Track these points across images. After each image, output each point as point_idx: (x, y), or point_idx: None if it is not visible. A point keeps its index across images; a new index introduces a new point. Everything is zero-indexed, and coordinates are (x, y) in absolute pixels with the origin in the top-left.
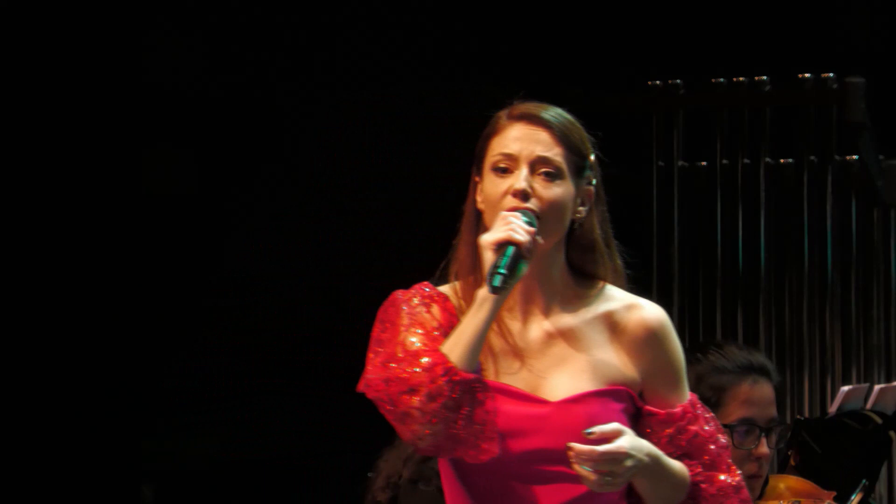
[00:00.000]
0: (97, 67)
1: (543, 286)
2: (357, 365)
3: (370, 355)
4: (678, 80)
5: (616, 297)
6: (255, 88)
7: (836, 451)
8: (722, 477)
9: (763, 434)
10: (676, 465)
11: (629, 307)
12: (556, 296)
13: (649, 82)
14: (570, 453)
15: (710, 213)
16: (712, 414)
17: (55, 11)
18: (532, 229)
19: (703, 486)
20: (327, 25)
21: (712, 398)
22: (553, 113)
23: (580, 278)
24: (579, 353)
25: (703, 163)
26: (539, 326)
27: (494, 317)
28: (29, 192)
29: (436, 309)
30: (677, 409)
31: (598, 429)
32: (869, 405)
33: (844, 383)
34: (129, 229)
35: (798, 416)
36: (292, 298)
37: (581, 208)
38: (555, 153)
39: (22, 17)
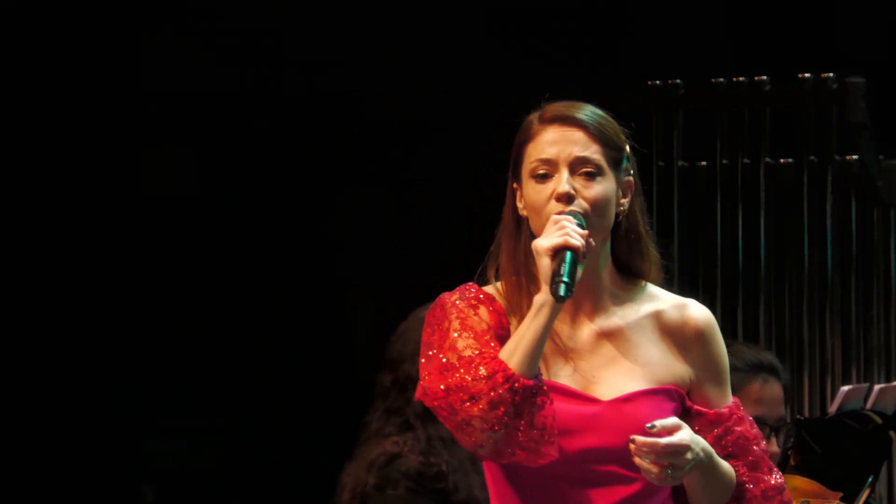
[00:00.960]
0: (98, 69)
1: (591, 286)
2: (359, 365)
3: (422, 360)
4: (678, 80)
5: (662, 297)
6: (255, 88)
7: (836, 450)
8: (766, 478)
9: (773, 433)
10: (725, 464)
11: (677, 307)
12: (604, 295)
13: (649, 82)
14: (632, 446)
15: (710, 212)
16: (751, 418)
17: (56, 13)
18: (585, 232)
19: (749, 486)
20: (327, 24)
21: None
22: (585, 111)
23: (626, 276)
24: (629, 352)
25: (703, 163)
26: (588, 327)
27: (553, 322)
28: (29, 192)
29: (483, 310)
30: (724, 410)
31: (660, 423)
32: (869, 405)
33: (844, 383)
34: (130, 229)
35: (798, 416)
36: (293, 298)
37: (623, 200)
38: (592, 151)
39: (23, 19)
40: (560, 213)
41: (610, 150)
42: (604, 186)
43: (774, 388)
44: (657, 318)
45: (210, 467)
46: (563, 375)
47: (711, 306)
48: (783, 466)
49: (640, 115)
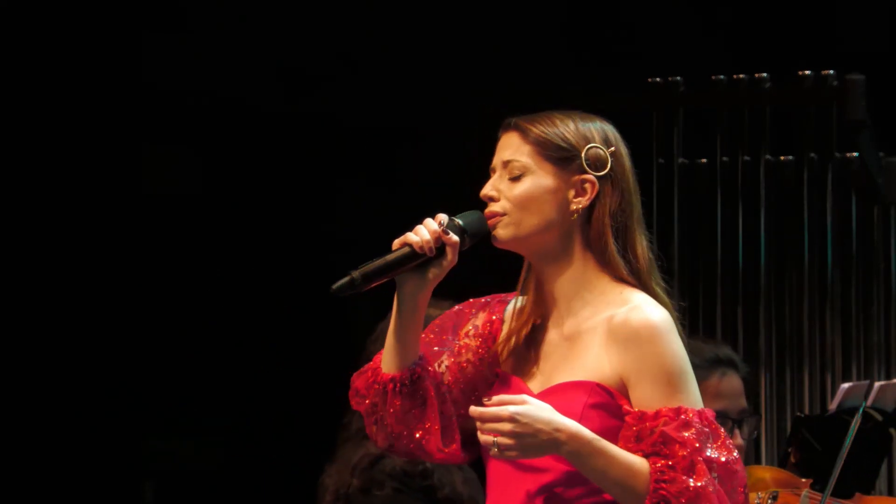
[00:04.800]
0: (98, 67)
1: (560, 290)
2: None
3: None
4: (678, 78)
5: (629, 300)
6: (255, 88)
7: (836, 448)
8: (684, 479)
9: (735, 426)
10: (631, 458)
11: (628, 309)
12: (573, 298)
13: (649, 79)
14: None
15: (710, 210)
16: (723, 434)
17: (56, 11)
18: (434, 230)
19: (664, 485)
20: (327, 23)
21: None
22: (536, 117)
23: (614, 281)
24: (577, 353)
25: (704, 160)
26: (555, 330)
27: (403, 312)
28: (30, 191)
29: (482, 316)
30: (650, 411)
31: (498, 397)
32: (869, 402)
33: (844, 380)
34: (129, 228)
35: (798, 414)
36: (293, 298)
37: (578, 199)
38: (521, 153)
39: (23, 17)
40: (486, 213)
41: (546, 149)
42: (529, 185)
43: (733, 381)
44: (609, 321)
45: (210, 467)
46: (524, 372)
47: (711, 305)
48: (783, 463)
49: (640, 113)
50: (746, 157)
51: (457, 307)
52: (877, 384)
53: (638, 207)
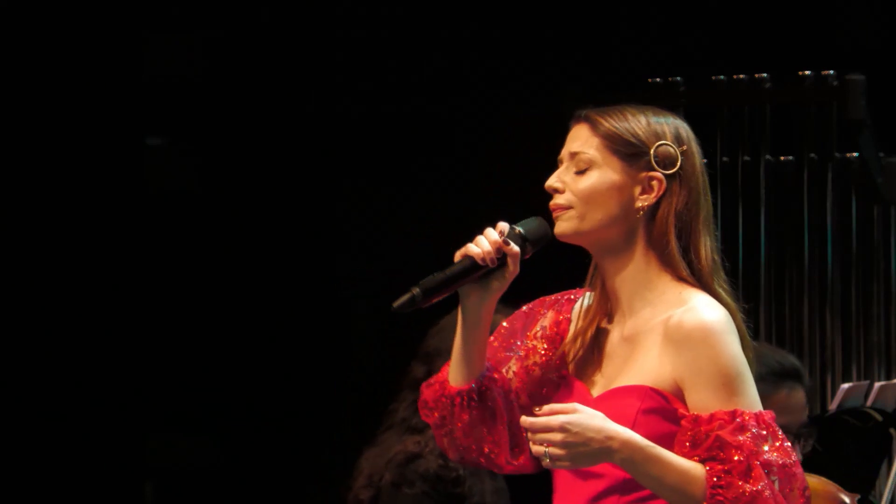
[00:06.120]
0: (99, 62)
1: (622, 287)
2: (358, 365)
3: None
4: (678, 78)
5: (688, 301)
6: (255, 88)
7: (836, 448)
8: (741, 484)
9: (795, 440)
10: (687, 464)
11: (684, 310)
12: (634, 297)
13: (649, 80)
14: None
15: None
16: (781, 436)
17: (56, 10)
18: (495, 240)
19: (720, 491)
20: (326, 22)
21: None
22: (605, 108)
23: (675, 281)
24: (637, 355)
25: (704, 160)
26: (618, 330)
27: (467, 325)
28: (30, 190)
29: (550, 315)
30: (705, 415)
31: (548, 407)
32: (869, 402)
33: (845, 381)
34: (129, 227)
35: None
36: (293, 298)
37: (644, 196)
38: (589, 145)
39: (23, 15)
40: (551, 206)
41: (615, 144)
42: (595, 179)
43: (799, 396)
44: (665, 323)
45: (210, 466)
46: (587, 374)
47: None
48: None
49: None
50: (746, 158)
51: (526, 307)
52: (877, 384)
53: (707, 208)
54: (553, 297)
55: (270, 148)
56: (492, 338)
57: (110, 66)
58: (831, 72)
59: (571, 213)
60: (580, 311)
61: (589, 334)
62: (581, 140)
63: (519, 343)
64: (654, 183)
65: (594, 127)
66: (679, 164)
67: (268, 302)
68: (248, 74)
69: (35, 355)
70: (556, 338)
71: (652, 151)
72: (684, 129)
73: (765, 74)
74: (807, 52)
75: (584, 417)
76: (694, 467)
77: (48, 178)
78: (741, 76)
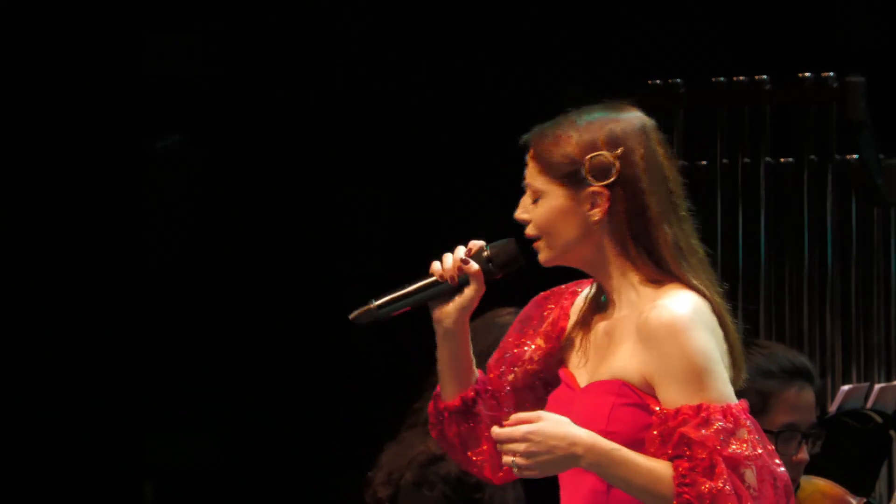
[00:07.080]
0: (99, 61)
1: (611, 290)
2: (357, 364)
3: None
4: (678, 80)
5: (658, 297)
6: (255, 88)
7: (836, 450)
8: (704, 481)
9: (804, 440)
10: (653, 464)
11: (652, 307)
12: (620, 295)
13: (649, 81)
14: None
15: (710, 212)
16: (749, 427)
17: (57, 9)
18: (458, 258)
19: (686, 488)
20: (326, 22)
21: (758, 404)
22: (537, 131)
23: (650, 280)
24: (614, 348)
25: (703, 162)
26: (604, 323)
27: (440, 340)
28: (30, 190)
29: (555, 312)
30: (670, 410)
31: (515, 416)
32: (869, 404)
33: (844, 382)
34: (128, 227)
35: None
36: (294, 298)
37: (594, 211)
38: (532, 175)
39: (24, 13)
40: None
41: (551, 170)
42: (545, 208)
43: (809, 395)
44: (636, 320)
45: (210, 466)
46: (577, 365)
47: None
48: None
49: None
50: (746, 159)
51: (539, 297)
52: (877, 386)
53: (661, 196)
54: (559, 288)
55: (271, 147)
56: (507, 335)
57: (110, 65)
58: (831, 73)
59: (541, 242)
60: (583, 302)
61: (582, 330)
62: (528, 170)
63: (528, 340)
64: (598, 197)
65: (535, 155)
66: (616, 170)
67: (268, 302)
68: (248, 74)
69: (35, 355)
70: (552, 335)
71: (585, 168)
72: (623, 123)
73: (765, 76)
74: (807, 53)
75: (548, 425)
76: (661, 466)
77: (47, 178)
78: (741, 77)
